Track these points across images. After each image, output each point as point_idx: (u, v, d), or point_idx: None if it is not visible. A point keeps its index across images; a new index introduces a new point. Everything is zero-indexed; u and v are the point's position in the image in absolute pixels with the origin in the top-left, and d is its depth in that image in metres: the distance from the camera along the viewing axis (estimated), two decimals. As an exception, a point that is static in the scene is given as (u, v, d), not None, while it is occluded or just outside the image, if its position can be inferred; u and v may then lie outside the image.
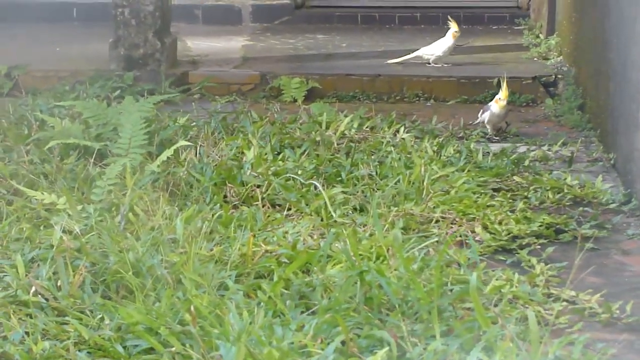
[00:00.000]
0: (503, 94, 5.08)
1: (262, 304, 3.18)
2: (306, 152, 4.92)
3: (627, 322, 3.30)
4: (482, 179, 4.59)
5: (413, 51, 6.90)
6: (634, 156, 4.45)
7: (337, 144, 5.10)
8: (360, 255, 3.52)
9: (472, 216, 4.14)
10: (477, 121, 5.34)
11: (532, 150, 5.17)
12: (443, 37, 6.79)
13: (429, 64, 6.76)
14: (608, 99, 5.13)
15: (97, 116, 4.88)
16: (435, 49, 6.77)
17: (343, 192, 4.35)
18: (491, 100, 6.15)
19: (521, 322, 3.08)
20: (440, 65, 6.72)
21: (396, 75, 6.63)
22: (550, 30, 7.44)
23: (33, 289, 3.25)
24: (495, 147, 5.19)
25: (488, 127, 5.08)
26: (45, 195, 4.02)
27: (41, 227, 3.82)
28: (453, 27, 6.76)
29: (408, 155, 4.85)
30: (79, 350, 2.93)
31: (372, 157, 4.88)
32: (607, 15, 5.19)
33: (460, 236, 3.95)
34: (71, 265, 3.40)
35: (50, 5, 8.18)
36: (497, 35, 7.68)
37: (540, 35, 7.64)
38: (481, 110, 5.36)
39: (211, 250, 3.60)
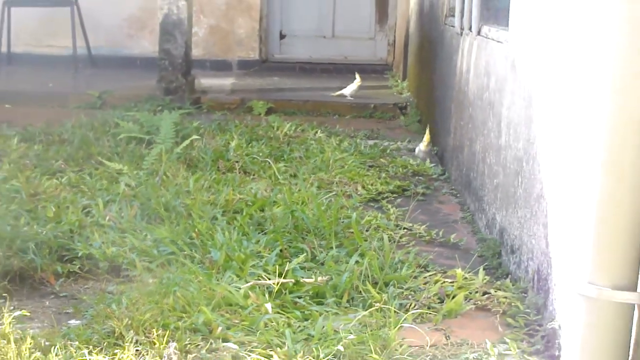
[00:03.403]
0: (426, 139, 4.76)
1: (236, 228, 3.22)
2: (264, 143, 4.90)
3: (440, 241, 3.36)
4: (362, 160, 4.62)
5: (335, 89, 6.80)
6: (447, 149, 4.56)
7: (282, 139, 5.10)
8: (293, 201, 3.55)
9: (356, 181, 4.16)
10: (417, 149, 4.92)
11: (392, 145, 5.18)
12: (352, 82, 6.64)
13: (347, 97, 6.58)
14: (434, 117, 5.17)
15: (148, 121, 4.88)
16: (350, 89, 6.61)
17: (285, 166, 4.36)
18: (370, 116, 6.29)
19: (380, 240, 3.12)
20: (353, 98, 6.56)
21: (318, 101, 6.56)
22: (404, 77, 7.41)
23: (107, 217, 3.29)
24: (370, 142, 5.21)
25: (419, 157, 4.74)
26: (116, 165, 4.05)
27: (113, 183, 3.83)
28: (357, 78, 6.63)
29: (322, 146, 4.89)
30: (132, 253, 2.95)
31: (302, 146, 4.89)
32: (434, 70, 5.25)
33: (349, 192, 3.96)
34: (129, 204, 3.45)
35: (123, 58, 8.09)
36: (375, 80, 7.59)
37: (398, 80, 7.60)
38: (419, 145, 4.90)
39: (209, 197, 3.62)
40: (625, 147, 1.73)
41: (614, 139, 1.74)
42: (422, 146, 4.75)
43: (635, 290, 1.76)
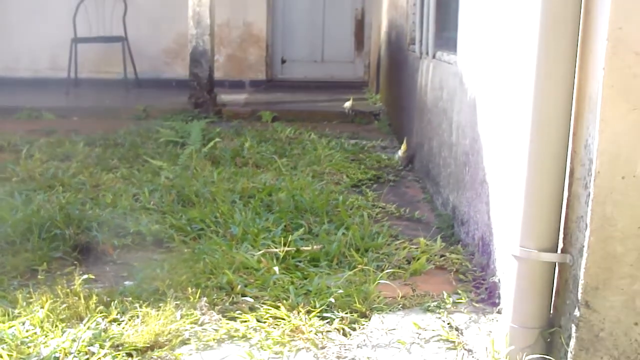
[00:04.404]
0: (403, 147, 4.49)
1: (250, 209, 3.21)
2: (271, 144, 4.88)
3: (407, 217, 3.32)
4: (346, 155, 4.58)
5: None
6: (411, 146, 4.47)
7: (284, 140, 5.07)
8: (293, 188, 3.54)
9: (341, 171, 4.13)
10: (396, 155, 4.65)
11: (369, 143, 5.14)
12: (349, 100, 6.47)
13: (347, 108, 6.38)
14: (402, 122, 5.12)
15: (181, 127, 4.88)
16: (348, 104, 6.35)
17: (286, 161, 4.33)
18: (351, 122, 6.22)
19: (361, 217, 3.12)
20: (351, 110, 6.34)
21: (311, 110, 6.46)
22: (377, 91, 7.35)
23: (152, 202, 3.28)
24: (352, 141, 5.18)
25: (399, 161, 4.48)
26: (158, 162, 4.05)
27: (156, 176, 3.82)
28: (351, 99, 6.46)
29: (315, 145, 4.84)
30: (171, 230, 2.93)
31: (299, 145, 4.85)
32: (400, 85, 5.22)
33: (336, 180, 3.92)
34: (168, 192, 3.43)
35: (162, 80, 8.02)
36: (355, 94, 7.42)
37: (372, 93, 7.55)
38: (397, 152, 4.62)
39: (229, 186, 3.61)
40: (543, 141, 1.73)
41: (535, 136, 1.73)
42: (400, 152, 4.63)
43: (555, 252, 1.77)
